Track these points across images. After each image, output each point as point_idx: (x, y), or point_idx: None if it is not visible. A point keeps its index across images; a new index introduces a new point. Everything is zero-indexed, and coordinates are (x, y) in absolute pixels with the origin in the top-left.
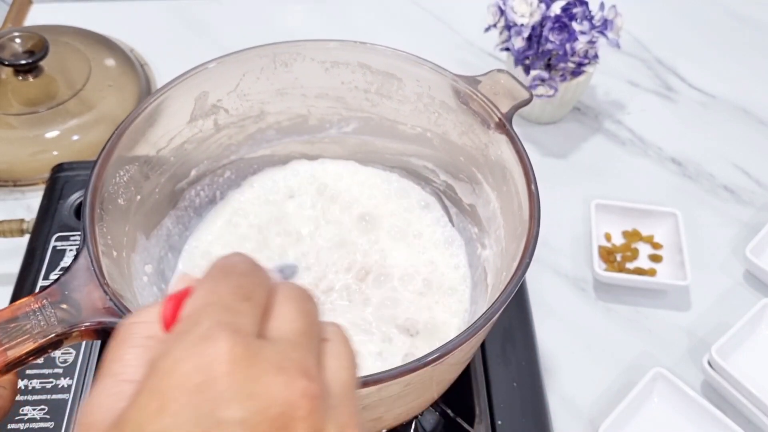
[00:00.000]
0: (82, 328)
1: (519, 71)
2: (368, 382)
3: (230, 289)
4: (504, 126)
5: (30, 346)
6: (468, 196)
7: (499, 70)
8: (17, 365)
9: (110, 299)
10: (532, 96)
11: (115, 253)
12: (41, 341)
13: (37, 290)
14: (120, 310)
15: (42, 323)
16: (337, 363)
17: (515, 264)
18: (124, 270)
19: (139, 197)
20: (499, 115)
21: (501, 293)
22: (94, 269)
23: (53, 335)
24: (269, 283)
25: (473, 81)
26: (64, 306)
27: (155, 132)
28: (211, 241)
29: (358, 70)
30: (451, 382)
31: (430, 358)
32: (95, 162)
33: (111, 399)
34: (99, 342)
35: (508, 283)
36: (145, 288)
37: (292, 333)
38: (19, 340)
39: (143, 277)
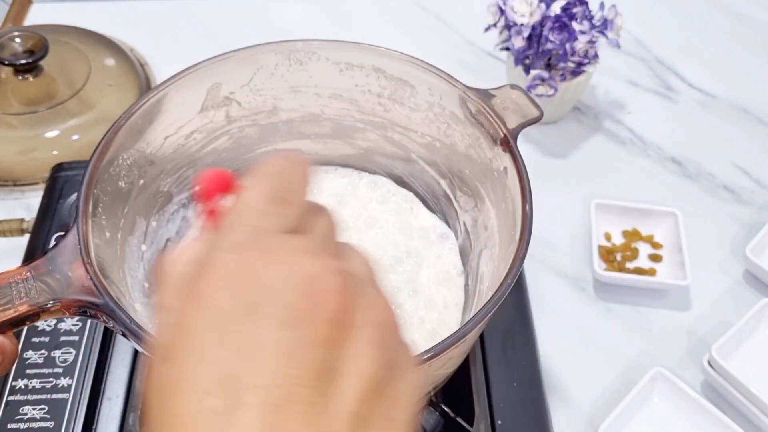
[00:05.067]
0: (62, 303)
1: (519, 71)
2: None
3: (264, 193)
4: (508, 143)
5: (10, 314)
6: (471, 211)
7: (513, 86)
8: None
9: (91, 278)
10: (542, 114)
11: (108, 234)
12: (21, 311)
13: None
14: (99, 290)
15: (23, 294)
16: (358, 259)
17: (497, 283)
18: (116, 251)
19: (142, 181)
20: (504, 131)
21: (475, 315)
22: (80, 247)
23: (33, 306)
24: (306, 182)
25: (486, 94)
26: (47, 279)
27: (164, 119)
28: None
29: (372, 74)
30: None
31: None
32: (99, 143)
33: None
34: (99, 342)
35: (486, 304)
36: (138, 270)
37: (319, 232)
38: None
39: (138, 260)
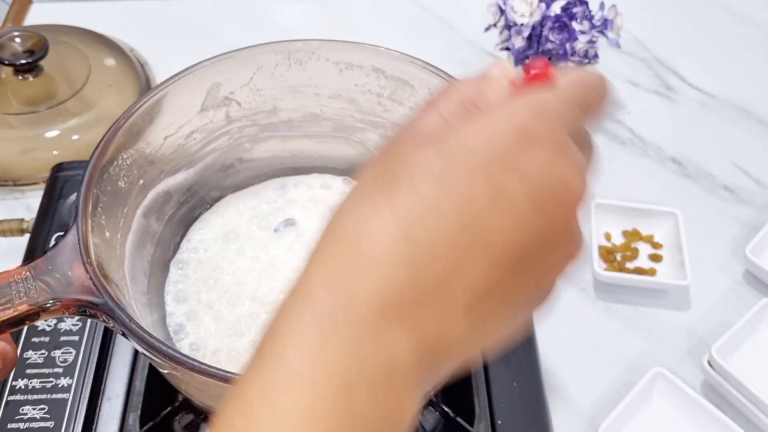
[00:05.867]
0: (61, 303)
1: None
2: None
3: (573, 94)
4: None
5: (9, 314)
6: None
7: None
8: None
9: (90, 278)
10: None
11: (108, 234)
12: (21, 311)
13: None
14: (98, 289)
15: (23, 294)
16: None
17: None
18: (116, 251)
19: (142, 181)
20: None
21: None
22: (80, 247)
23: (33, 306)
24: (603, 102)
25: None
26: (47, 279)
27: (164, 119)
28: (217, 226)
29: (372, 73)
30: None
31: None
32: (99, 143)
33: (433, 124)
34: (99, 342)
35: None
36: (138, 270)
37: (586, 157)
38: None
39: (138, 259)
